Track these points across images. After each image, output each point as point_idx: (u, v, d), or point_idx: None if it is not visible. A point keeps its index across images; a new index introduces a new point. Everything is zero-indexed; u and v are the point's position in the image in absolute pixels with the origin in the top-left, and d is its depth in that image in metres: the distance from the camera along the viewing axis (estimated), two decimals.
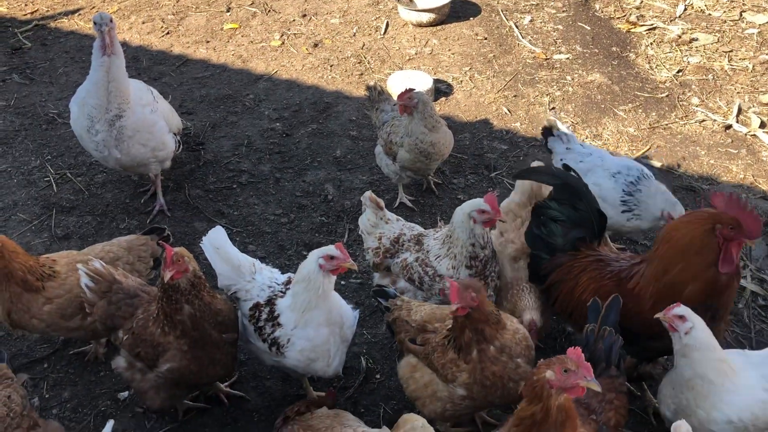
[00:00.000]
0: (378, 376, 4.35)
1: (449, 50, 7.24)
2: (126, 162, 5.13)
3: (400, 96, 5.06)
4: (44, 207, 5.55)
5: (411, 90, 5.08)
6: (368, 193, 4.46)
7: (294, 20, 7.70)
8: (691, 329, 3.34)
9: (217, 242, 4.01)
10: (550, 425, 2.79)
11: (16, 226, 5.37)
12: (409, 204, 5.53)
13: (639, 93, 6.69)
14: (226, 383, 4.26)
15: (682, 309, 3.38)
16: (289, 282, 3.91)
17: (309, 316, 3.68)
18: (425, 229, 4.45)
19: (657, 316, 3.42)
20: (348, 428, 3.29)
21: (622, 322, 3.50)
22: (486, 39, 7.38)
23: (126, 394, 4.25)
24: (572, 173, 4.15)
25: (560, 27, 7.53)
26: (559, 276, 3.94)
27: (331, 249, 3.62)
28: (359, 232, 4.58)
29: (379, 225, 4.43)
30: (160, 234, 4.49)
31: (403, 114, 5.09)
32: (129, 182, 5.80)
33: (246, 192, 5.72)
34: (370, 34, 7.49)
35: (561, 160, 4.79)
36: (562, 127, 4.99)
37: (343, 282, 4.87)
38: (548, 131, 4.99)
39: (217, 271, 3.96)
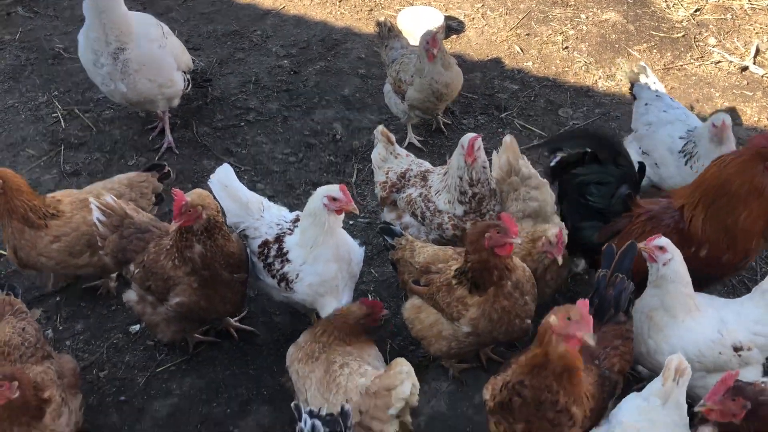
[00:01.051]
0: (384, 314, 4.41)
1: None
2: (132, 97, 5.09)
3: (432, 42, 4.88)
4: (52, 143, 5.54)
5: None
6: (380, 127, 4.49)
7: None
8: (670, 261, 3.38)
9: (225, 180, 4.01)
10: (549, 371, 2.85)
11: (25, 162, 5.38)
12: (417, 144, 5.49)
13: (654, 33, 6.53)
14: (236, 318, 4.33)
15: (663, 240, 3.41)
16: (297, 220, 3.93)
17: (317, 252, 3.72)
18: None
19: (639, 245, 3.47)
20: (368, 366, 3.37)
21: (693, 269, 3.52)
22: None
23: (137, 327, 4.33)
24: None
25: None
26: (619, 243, 3.80)
27: (334, 190, 3.63)
28: (372, 167, 4.60)
29: (388, 159, 4.47)
30: (160, 170, 4.49)
31: (432, 61, 4.96)
32: (137, 119, 5.77)
33: (254, 130, 5.69)
34: None
35: (646, 104, 4.74)
36: (652, 76, 4.93)
37: (351, 221, 4.89)
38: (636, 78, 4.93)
39: (226, 208, 3.98)
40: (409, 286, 3.83)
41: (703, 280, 3.70)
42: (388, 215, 4.46)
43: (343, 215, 3.71)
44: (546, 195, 4.16)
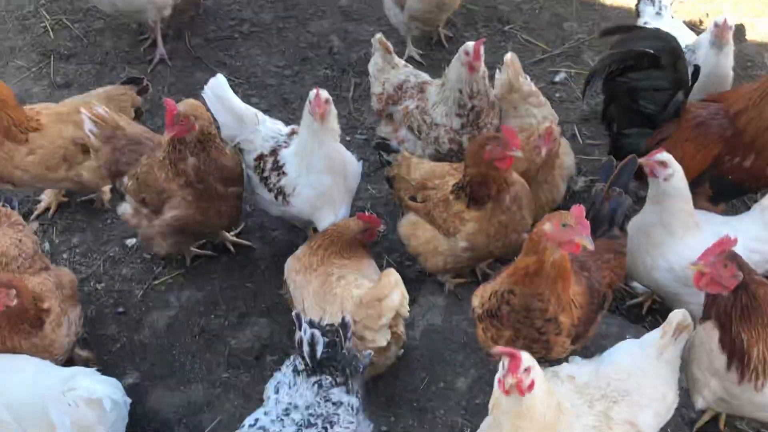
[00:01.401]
0: (381, 230, 4.40)
1: None
2: (121, 6, 4.92)
3: None
4: (42, 54, 5.39)
5: None
6: (378, 36, 4.35)
7: None
8: (671, 176, 3.32)
9: (218, 91, 3.91)
10: (542, 279, 2.84)
11: (15, 73, 5.25)
12: (417, 58, 5.34)
13: None
14: (233, 233, 4.32)
15: (665, 155, 3.35)
16: (293, 133, 3.87)
17: (308, 161, 3.67)
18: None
19: (640, 160, 3.40)
20: (364, 279, 3.37)
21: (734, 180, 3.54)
22: None
23: (134, 240, 4.33)
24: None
25: None
26: (666, 148, 3.72)
27: (311, 95, 3.54)
28: (369, 79, 4.49)
29: (385, 70, 4.35)
30: (139, 84, 4.37)
31: None
32: (128, 30, 5.59)
33: (248, 42, 5.52)
34: None
35: (645, 22, 4.65)
36: None
37: (348, 138, 4.82)
38: None
39: (220, 121, 3.90)
40: (406, 203, 3.81)
41: (735, 193, 3.70)
42: (384, 129, 4.38)
43: (331, 125, 3.63)
44: (547, 112, 4.08)
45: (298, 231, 4.33)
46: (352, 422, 2.66)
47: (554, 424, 2.48)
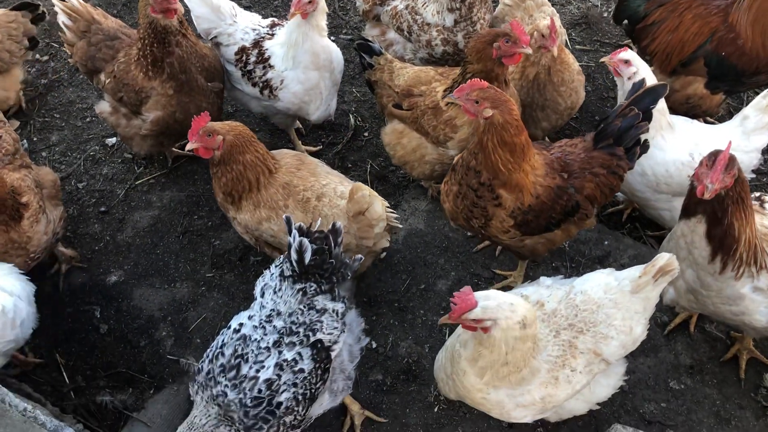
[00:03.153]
0: (366, 134, 4.37)
1: None
2: None
3: None
4: None
5: None
6: None
7: None
8: (635, 74, 3.28)
9: None
10: (477, 138, 2.90)
11: None
12: None
13: None
14: None
15: (628, 54, 3.29)
16: (273, 25, 3.76)
17: (296, 55, 3.60)
18: None
19: (602, 60, 3.37)
20: (334, 183, 3.27)
21: (729, 59, 3.51)
22: None
23: (114, 140, 4.26)
24: None
25: None
26: (662, 15, 3.77)
27: None
28: None
29: None
30: (33, 10, 4.15)
31: None
32: None
33: None
34: None
35: None
36: None
37: (332, 38, 4.66)
38: None
39: (196, 13, 3.76)
40: (389, 110, 3.70)
41: (731, 80, 3.69)
42: (370, 31, 4.23)
43: (318, 21, 3.53)
44: (558, 22, 3.95)
45: (281, 133, 4.27)
46: (336, 327, 2.69)
47: (517, 362, 2.56)
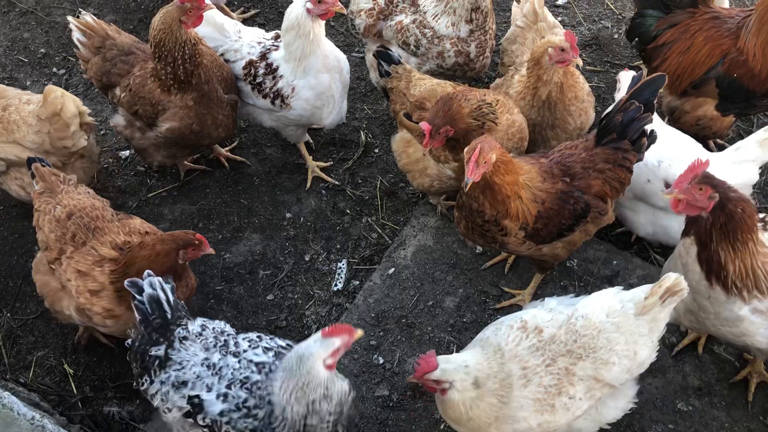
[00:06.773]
0: (376, 151, 4.40)
1: None
2: None
3: None
4: None
5: None
6: None
7: None
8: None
9: None
10: (476, 190, 3.00)
11: None
12: None
13: None
14: (227, 148, 4.31)
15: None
16: (277, 37, 3.83)
17: (306, 63, 3.67)
18: None
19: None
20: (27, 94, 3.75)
21: (741, 80, 3.57)
22: None
23: (127, 153, 4.31)
24: None
25: None
26: (674, 36, 3.79)
27: None
28: None
29: None
30: None
31: None
32: None
33: None
34: None
35: None
36: None
37: (345, 56, 4.72)
38: None
39: (200, 34, 3.80)
40: (400, 118, 3.75)
41: (743, 102, 3.74)
42: (371, 48, 4.24)
43: (323, 22, 3.63)
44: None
45: (292, 148, 4.32)
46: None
47: (480, 417, 2.61)
